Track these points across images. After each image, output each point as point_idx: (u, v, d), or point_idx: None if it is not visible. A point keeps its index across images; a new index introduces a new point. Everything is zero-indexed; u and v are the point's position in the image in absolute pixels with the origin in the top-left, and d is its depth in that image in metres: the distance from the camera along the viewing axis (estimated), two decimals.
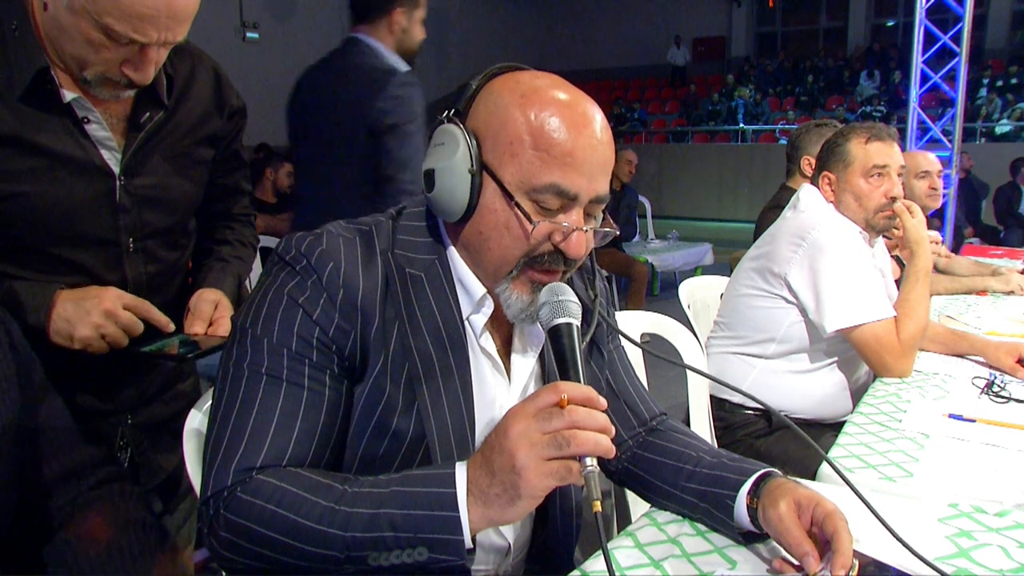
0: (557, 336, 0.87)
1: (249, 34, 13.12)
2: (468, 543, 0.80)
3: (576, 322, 0.88)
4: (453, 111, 0.93)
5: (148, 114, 1.20)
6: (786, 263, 1.92)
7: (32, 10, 1.08)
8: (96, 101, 1.14)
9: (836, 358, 1.97)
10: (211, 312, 1.27)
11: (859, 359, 1.95)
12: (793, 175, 2.99)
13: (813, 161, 2.93)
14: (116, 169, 1.18)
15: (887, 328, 1.80)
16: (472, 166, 0.89)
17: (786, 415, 1.96)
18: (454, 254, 0.97)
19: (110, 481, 0.96)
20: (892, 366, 1.80)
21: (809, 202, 2.04)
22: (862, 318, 1.80)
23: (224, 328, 1.26)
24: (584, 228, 0.92)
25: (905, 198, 2.98)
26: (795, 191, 2.17)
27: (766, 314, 1.98)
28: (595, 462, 0.77)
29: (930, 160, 3.01)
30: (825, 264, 1.86)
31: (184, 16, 1.07)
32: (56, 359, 1.08)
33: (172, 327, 1.20)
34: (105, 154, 1.17)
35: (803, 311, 1.92)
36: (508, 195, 0.89)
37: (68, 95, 1.11)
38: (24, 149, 1.09)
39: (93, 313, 1.12)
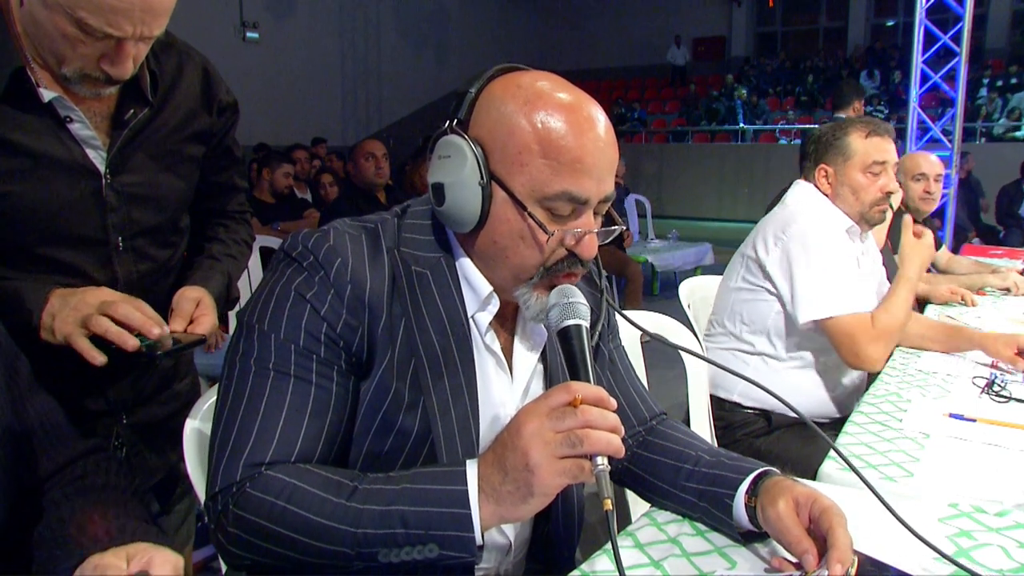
0: (567, 338, 0.88)
1: (249, 34, 13.13)
2: (479, 540, 0.81)
3: (585, 323, 0.89)
4: (455, 121, 0.92)
5: (132, 111, 1.19)
6: (767, 254, 1.94)
7: (9, 7, 1.07)
8: (78, 99, 1.13)
9: (832, 356, 1.97)
10: (192, 310, 1.24)
11: None
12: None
13: None
14: (102, 168, 1.17)
15: (861, 320, 1.80)
16: (482, 178, 0.89)
17: (782, 414, 1.98)
18: (460, 253, 0.97)
19: (93, 452, 0.95)
20: (862, 352, 1.79)
21: (798, 197, 2.06)
22: (835, 310, 1.81)
23: (203, 326, 1.23)
24: (596, 230, 0.92)
25: (902, 199, 2.99)
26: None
27: (752, 307, 2.00)
28: (606, 461, 0.77)
29: (930, 162, 2.98)
30: (801, 256, 1.87)
31: (160, 10, 1.05)
32: (46, 358, 1.07)
33: (157, 330, 1.14)
34: (90, 153, 1.16)
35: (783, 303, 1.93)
36: (520, 205, 0.89)
37: (48, 94, 1.09)
38: (5, 149, 1.08)
39: (80, 307, 1.09)
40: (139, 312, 1.10)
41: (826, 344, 1.95)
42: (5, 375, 0.87)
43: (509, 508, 0.81)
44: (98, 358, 1.08)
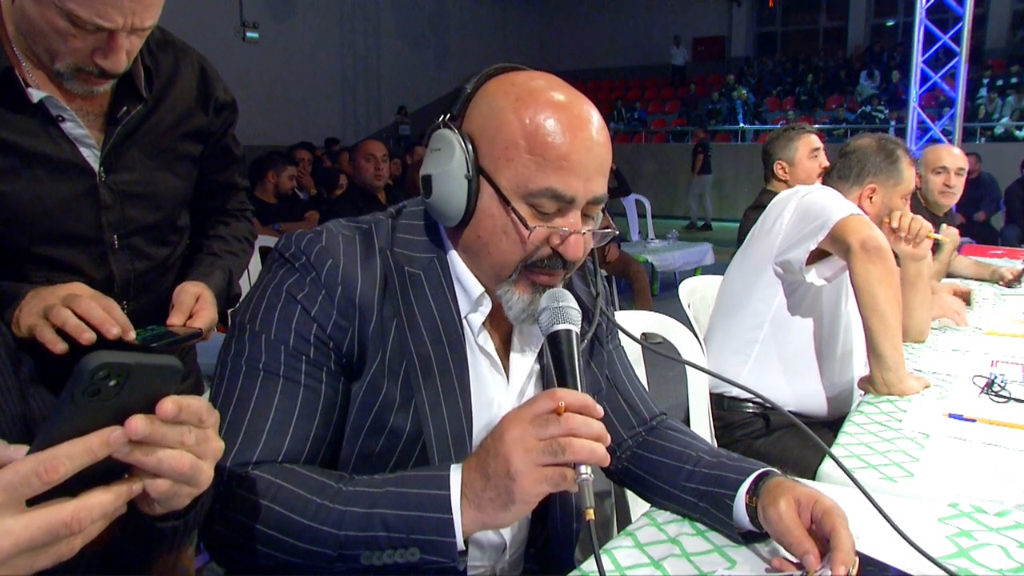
0: (556, 342, 0.87)
1: (249, 34, 13.13)
2: (460, 545, 0.81)
3: (575, 328, 0.88)
4: (449, 116, 0.93)
5: (126, 108, 1.19)
6: (778, 223, 1.90)
7: None
8: (71, 98, 1.13)
9: (829, 353, 1.97)
10: (191, 304, 1.24)
11: (851, 355, 1.97)
12: (769, 180, 3.18)
13: (785, 166, 3.15)
14: (95, 165, 1.17)
15: (862, 220, 1.76)
16: (468, 172, 0.89)
17: (781, 414, 1.97)
18: (453, 253, 0.97)
19: None
20: (869, 243, 1.71)
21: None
22: (839, 215, 1.76)
23: (202, 320, 1.23)
24: (582, 231, 0.91)
25: (921, 192, 3.02)
26: (775, 194, 2.14)
27: (754, 300, 1.98)
28: (589, 470, 0.77)
29: (953, 156, 2.99)
30: (809, 198, 1.86)
31: (150, 1, 1.05)
32: (44, 361, 1.07)
33: (116, 330, 1.08)
34: (84, 151, 1.16)
35: (789, 272, 1.89)
36: (504, 200, 0.89)
37: (38, 94, 1.09)
38: None
39: (48, 299, 1.07)
40: (101, 309, 1.08)
41: (826, 340, 1.96)
42: (10, 361, 0.87)
43: (490, 514, 0.80)
44: (59, 345, 1.05)
